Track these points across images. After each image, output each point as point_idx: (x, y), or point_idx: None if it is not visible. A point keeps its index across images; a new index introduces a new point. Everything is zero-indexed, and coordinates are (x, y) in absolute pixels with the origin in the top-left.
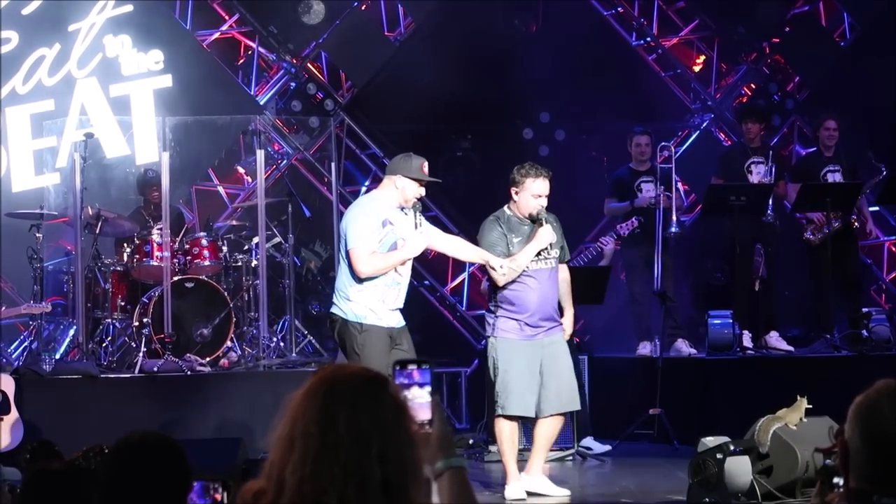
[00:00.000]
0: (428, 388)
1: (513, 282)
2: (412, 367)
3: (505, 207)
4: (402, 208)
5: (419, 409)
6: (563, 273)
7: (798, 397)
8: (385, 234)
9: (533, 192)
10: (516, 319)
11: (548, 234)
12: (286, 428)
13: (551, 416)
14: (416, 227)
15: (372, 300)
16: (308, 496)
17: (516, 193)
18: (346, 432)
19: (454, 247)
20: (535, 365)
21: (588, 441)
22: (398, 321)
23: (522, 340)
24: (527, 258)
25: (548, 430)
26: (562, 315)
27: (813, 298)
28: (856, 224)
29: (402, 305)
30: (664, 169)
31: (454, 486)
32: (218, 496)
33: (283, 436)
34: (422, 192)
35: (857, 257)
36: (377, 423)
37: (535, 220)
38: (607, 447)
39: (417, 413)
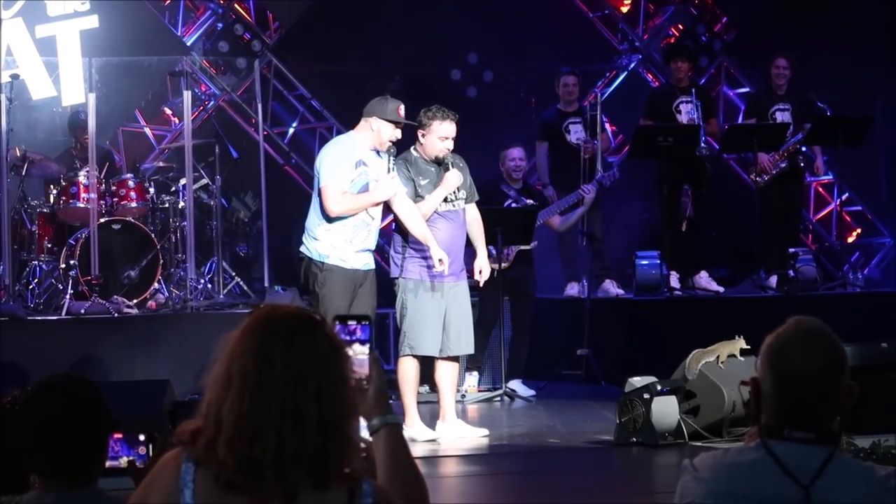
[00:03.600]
0: (367, 345)
1: None
2: (352, 322)
3: (412, 149)
4: (377, 151)
5: (358, 364)
6: (473, 213)
7: (736, 336)
8: (358, 175)
9: (440, 135)
10: (425, 259)
11: (455, 178)
12: (223, 367)
13: (450, 358)
14: (388, 171)
15: (339, 240)
16: (246, 433)
17: (423, 136)
18: (283, 370)
19: (407, 215)
20: (441, 307)
21: (514, 383)
22: (365, 263)
23: (430, 280)
24: (434, 203)
25: (451, 372)
26: (473, 256)
27: (759, 239)
28: (802, 164)
29: (372, 247)
30: (592, 112)
31: (390, 443)
32: (143, 449)
33: (220, 374)
34: (398, 134)
35: (796, 199)
36: (313, 361)
37: (440, 163)
38: (532, 392)
39: (356, 368)
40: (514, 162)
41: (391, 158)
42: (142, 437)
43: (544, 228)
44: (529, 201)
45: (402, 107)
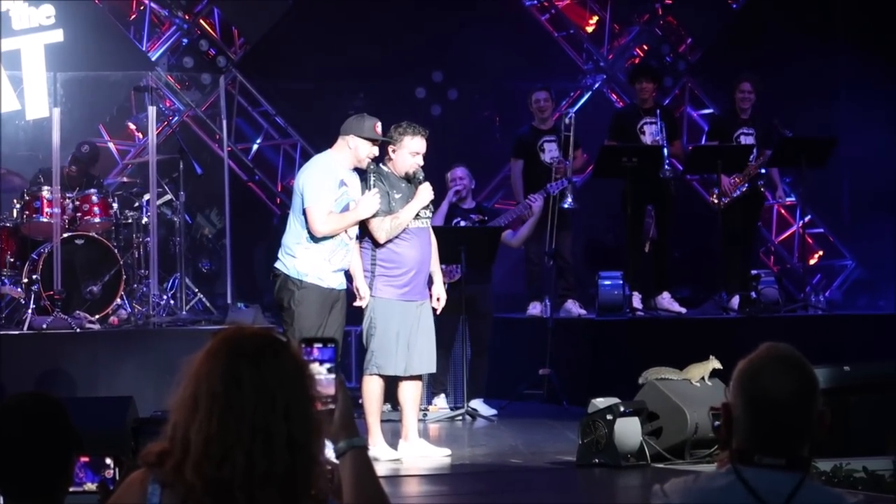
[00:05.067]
0: (329, 366)
1: (392, 240)
2: (318, 344)
3: (380, 165)
4: (355, 169)
5: (323, 385)
6: (431, 235)
7: (710, 356)
8: (341, 195)
9: (411, 150)
10: (395, 277)
11: (428, 192)
12: (189, 389)
13: (413, 377)
14: (370, 188)
15: (317, 258)
16: (214, 455)
17: (393, 151)
18: (251, 390)
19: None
20: (408, 326)
21: (476, 403)
22: (340, 283)
23: (399, 301)
24: (409, 214)
25: (414, 391)
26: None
27: (720, 260)
28: (762, 188)
29: (347, 267)
30: (567, 132)
31: (357, 466)
32: (109, 472)
33: (186, 397)
34: (375, 151)
35: (755, 221)
36: (281, 381)
37: (410, 180)
38: (494, 411)
39: (321, 389)
40: (456, 182)
41: (371, 175)
42: (109, 461)
43: (510, 251)
44: (476, 218)
45: (379, 124)
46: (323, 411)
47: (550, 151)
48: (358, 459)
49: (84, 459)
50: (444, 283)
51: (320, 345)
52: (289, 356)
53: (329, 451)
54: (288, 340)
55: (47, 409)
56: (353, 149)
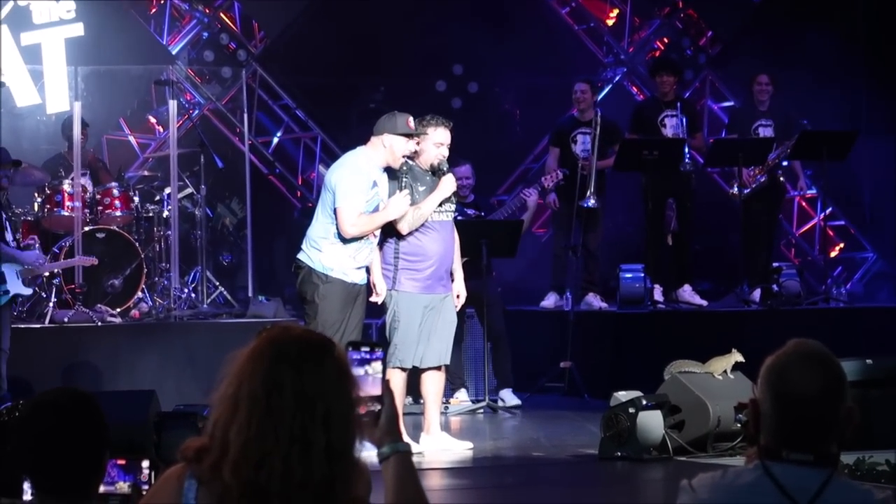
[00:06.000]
0: (377, 368)
1: (414, 232)
2: (364, 348)
3: (406, 159)
4: (386, 169)
5: (371, 384)
6: (454, 230)
7: (733, 350)
8: (372, 196)
9: (435, 141)
10: (418, 270)
11: (451, 184)
12: (231, 388)
13: (433, 369)
14: (401, 188)
15: (343, 255)
16: (252, 458)
17: (418, 143)
18: (291, 396)
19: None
20: (431, 319)
21: (505, 393)
22: (362, 278)
23: (423, 294)
24: (432, 205)
25: (437, 384)
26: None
27: (741, 252)
28: (781, 179)
29: (368, 263)
30: (607, 124)
31: (400, 471)
32: (144, 476)
33: (228, 396)
34: (412, 146)
35: (776, 213)
36: (322, 388)
37: (435, 172)
38: (518, 401)
39: (369, 388)
40: (462, 181)
41: (405, 178)
42: (145, 464)
43: (531, 243)
44: (472, 213)
45: (412, 119)
46: (368, 414)
47: (583, 143)
48: (402, 464)
49: (120, 462)
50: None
51: (367, 348)
52: (332, 361)
53: (371, 453)
54: (333, 344)
55: (81, 404)
56: (388, 147)
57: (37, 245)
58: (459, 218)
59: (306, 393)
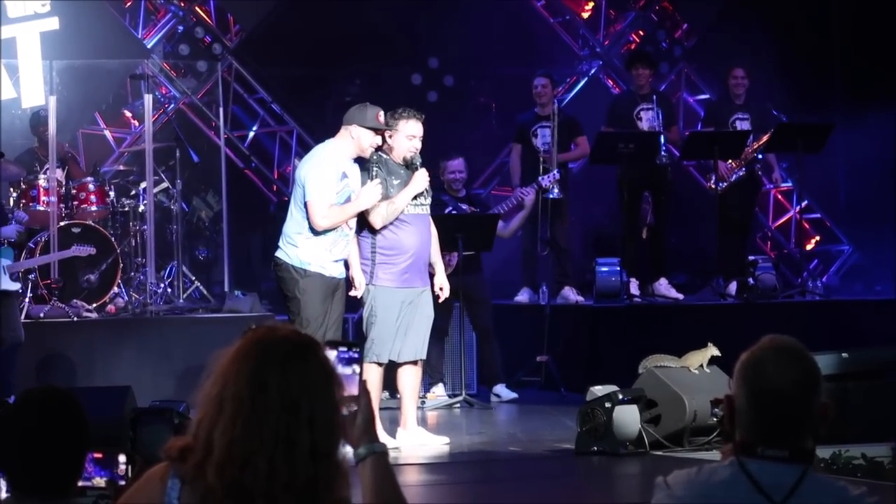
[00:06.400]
0: (353, 368)
1: (390, 226)
2: (342, 347)
3: (379, 152)
4: (357, 159)
5: (347, 382)
6: (430, 223)
7: (709, 343)
8: (342, 188)
9: (407, 133)
10: (395, 264)
11: (424, 178)
12: (215, 388)
13: (410, 364)
14: (372, 179)
15: (319, 248)
16: (237, 457)
17: (390, 137)
18: (277, 396)
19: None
20: (408, 314)
21: (498, 388)
22: (340, 272)
23: (400, 288)
24: (405, 199)
25: (413, 379)
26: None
27: (717, 246)
28: (759, 173)
29: (346, 257)
30: (566, 117)
31: (377, 472)
32: (121, 470)
33: (213, 396)
34: (378, 140)
35: (752, 206)
36: (307, 388)
37: (409, 165)
38: (514, 395)
39: (346, 387)
40: (454, 174)
41: (374, 167)
42: (121, 458)
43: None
44: (466, 208)
45: (382, 113)
46: (346, 415)
47: (543, 137)
48: (378, 465)
49: (97, 455)
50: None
51: (345, 348)
52: (317, 360)
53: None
54: (318, 345)
55: (63, 403)
56: (355, 139)
57: (14, 215)
58: (453, 213)
59: (291, 393)
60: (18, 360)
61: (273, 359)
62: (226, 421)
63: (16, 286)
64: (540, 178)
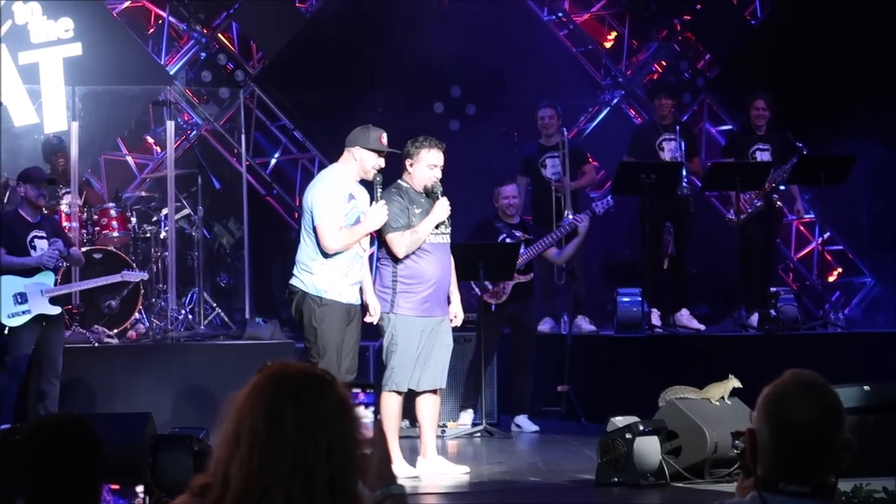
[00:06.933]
0: (371, 409)
1: (411, 255)
2: (357, 389)
3: (400, 181)
4: (362, 181)
5: (363, 429)
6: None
7: (730, 375)
8: (350, 209)
9: (428, 163)
10: (416, 293)
11: (446, 207)
12: (231, 424)
13: (429, 392)
14: (376, 200)
15: (335, 274)
16: (254, 491)
17: (411, 165)
18: (293, 428)
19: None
20: (429, 343)
21: (520, 419)
22: (356, 298)
23: (420, 317)
24: (427, 228)
25: (432, 408)
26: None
27: (739, 277)
28: (778, 203)
29: (362, 280)
30: (572, 146)
31: None
32: (138, 501)
33: (229, 432)
34: (381, 163)
35: (773, 237)
36: (324, 420)
37: (429, 194)
38: (536, 427)
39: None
40: (508, 200)
41: (379, 186)
42: (139, 489)
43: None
44: (520, 235)
45: (385, 135)
46: (362, 458)
47: (552, 167)
48: None
49: (114, 487)
50: (492, 304)
51: (359, 389)
52: (333, 394)
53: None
54: (333, 378)
55: (82, 432)
56: (358, 160)
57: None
58: (507, 240)
59: (308, 425)
60: (53, 391)
61: (288, 392)
62: (242, 455)
63: (56, 310)
64: (594, 205)
